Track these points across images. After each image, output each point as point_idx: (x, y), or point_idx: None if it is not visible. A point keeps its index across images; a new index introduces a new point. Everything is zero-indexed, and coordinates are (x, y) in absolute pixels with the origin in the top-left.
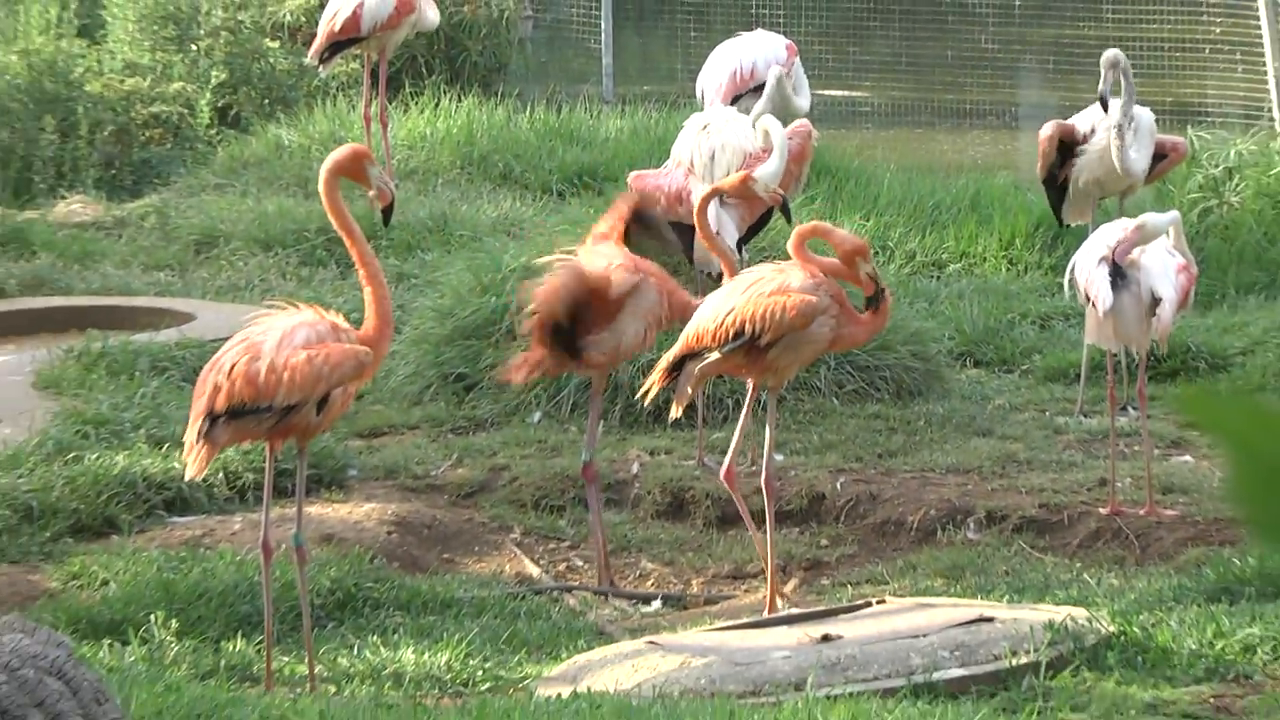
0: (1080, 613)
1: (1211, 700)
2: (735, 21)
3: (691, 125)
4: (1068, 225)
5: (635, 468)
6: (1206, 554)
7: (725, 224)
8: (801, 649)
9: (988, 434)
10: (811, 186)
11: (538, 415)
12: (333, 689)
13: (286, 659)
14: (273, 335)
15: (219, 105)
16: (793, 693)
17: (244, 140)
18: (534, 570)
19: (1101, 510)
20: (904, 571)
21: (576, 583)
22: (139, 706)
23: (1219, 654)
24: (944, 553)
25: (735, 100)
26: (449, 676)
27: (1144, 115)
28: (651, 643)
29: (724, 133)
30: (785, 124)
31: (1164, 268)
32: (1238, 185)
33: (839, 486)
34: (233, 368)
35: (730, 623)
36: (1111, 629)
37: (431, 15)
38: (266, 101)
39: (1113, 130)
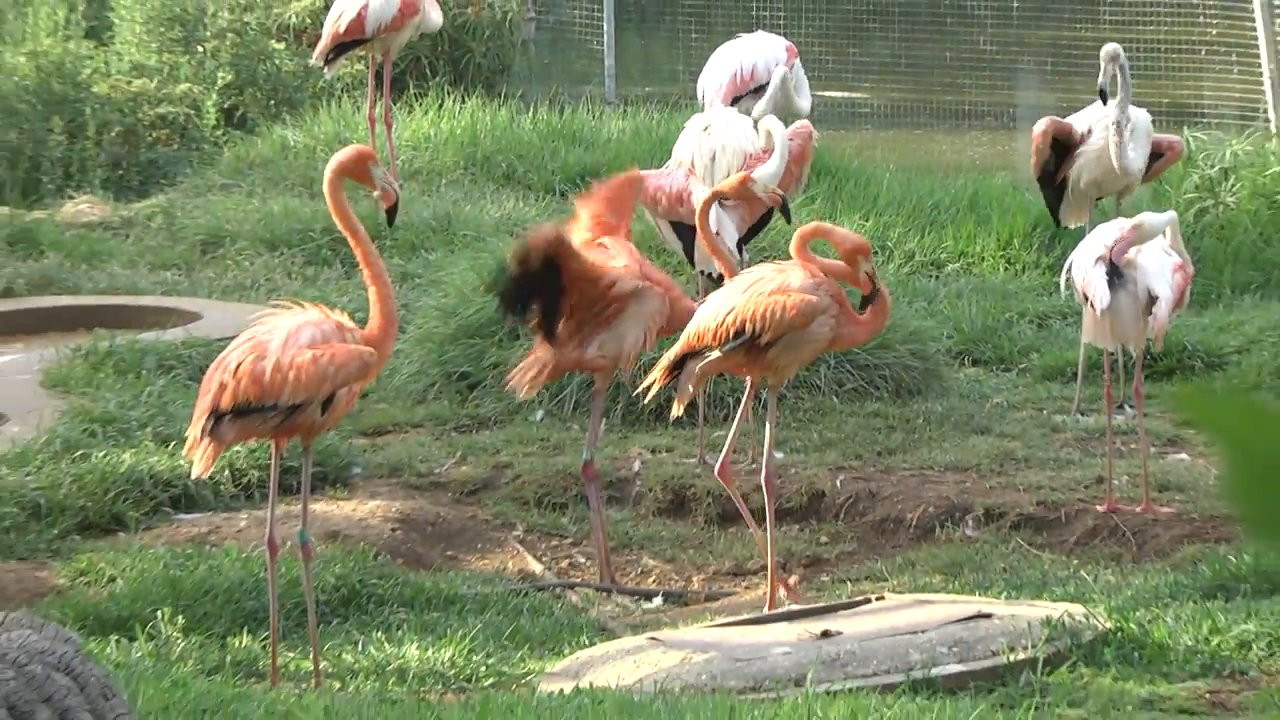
0: (1077, 609)
1: (1207, 695)
2: (736, 23)
3: (693, 126)
4: (1066, 226)
5: (637, 465)
6: (1202, 551)
7: (725, 225)
8: (801, 645)
9: (986, 432)
10: (811, 187)
11: (540, 414)
12: (337, 684)
13: (292, 655)
14: (278, 334)
15: (225, 106)
16: (793, 688)
17: (250, 141)
18: (536, 567)
19: (1098, 508)
20: (903, 568)
21: (579, 579)
22: (146, 702)
23: (1215, 650)
24: (942, 550)
25: (735, 101)
26: (452, 672)
27: (1140, 116)
28: (653, 639)
29: (724, 134)
30: (786, 125)
31: (1160, 267)
32: (1233, 186)
33: (839, 484)
34: (238, 367)
35: (731, 619)
36: (1108, 625)
37: (435, 17)
38: (272, 103)
39: (1111, 127)
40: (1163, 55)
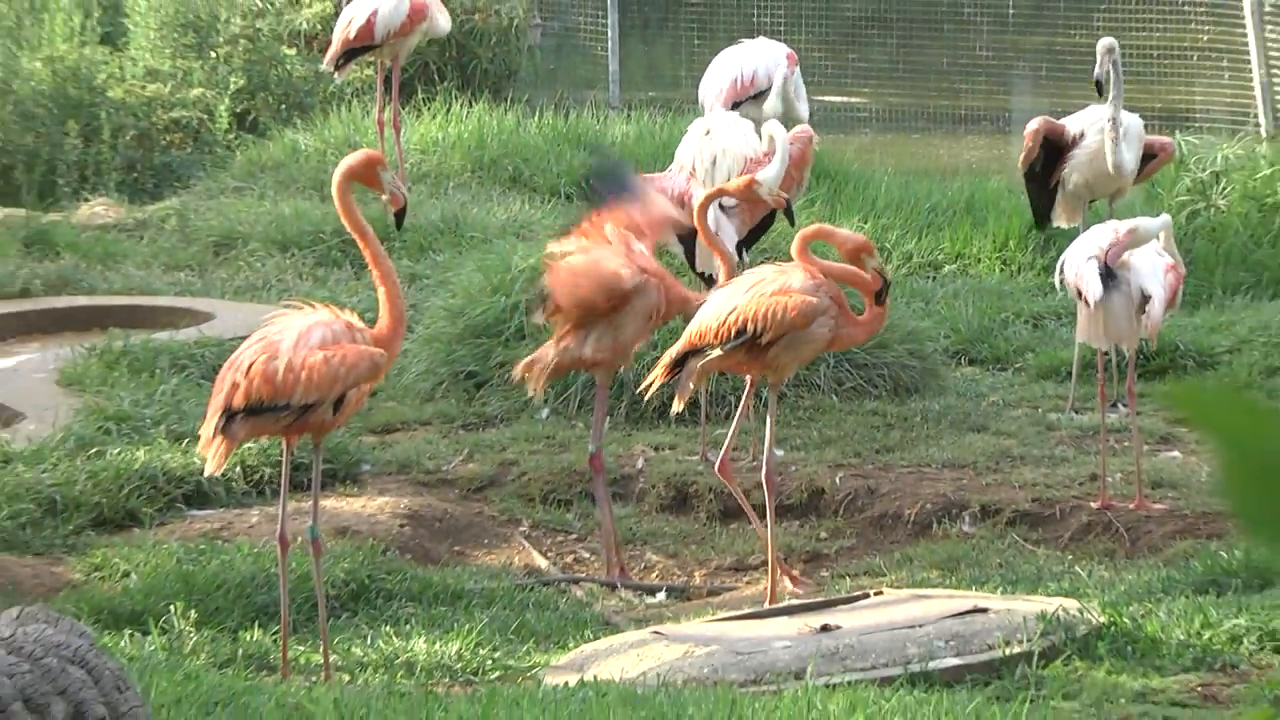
0: (1072, 604)
1: (1199, 689)
2: (738, 29)
3: (694, 130)
4: (1056, 227)
5: (640, 463)
6: (1194, 547)
7: (724, 227)
8: (801, 639)
9: (982, 430)
10: (811, 190)
11: (546, 412)
12: (347, 677)
13: (302, 648)
14: (289, 335)
15: (237, 111)
16: (793, 681)
17: (261, 145)
18: (542, 562)
19: (1092, 504)
20: (901, 564)
21: (583, 575)
22: (159, 694)
23: (1206, 644)
24: (940, 545)
25: (735, 107)
26: (459, 665)
27: (1132, 120)
28: (656, 632)
29: (725, 138)
30: (786, 130)
31: (1153, 268)
32: (1224, 189)
33: (838, 481)
34: (251, 366)
35: (732, 613)
36: (1102, 620)
37: (443, 22)
38: (283, 107)
39: (1106, 125)
40: (1155, 60)
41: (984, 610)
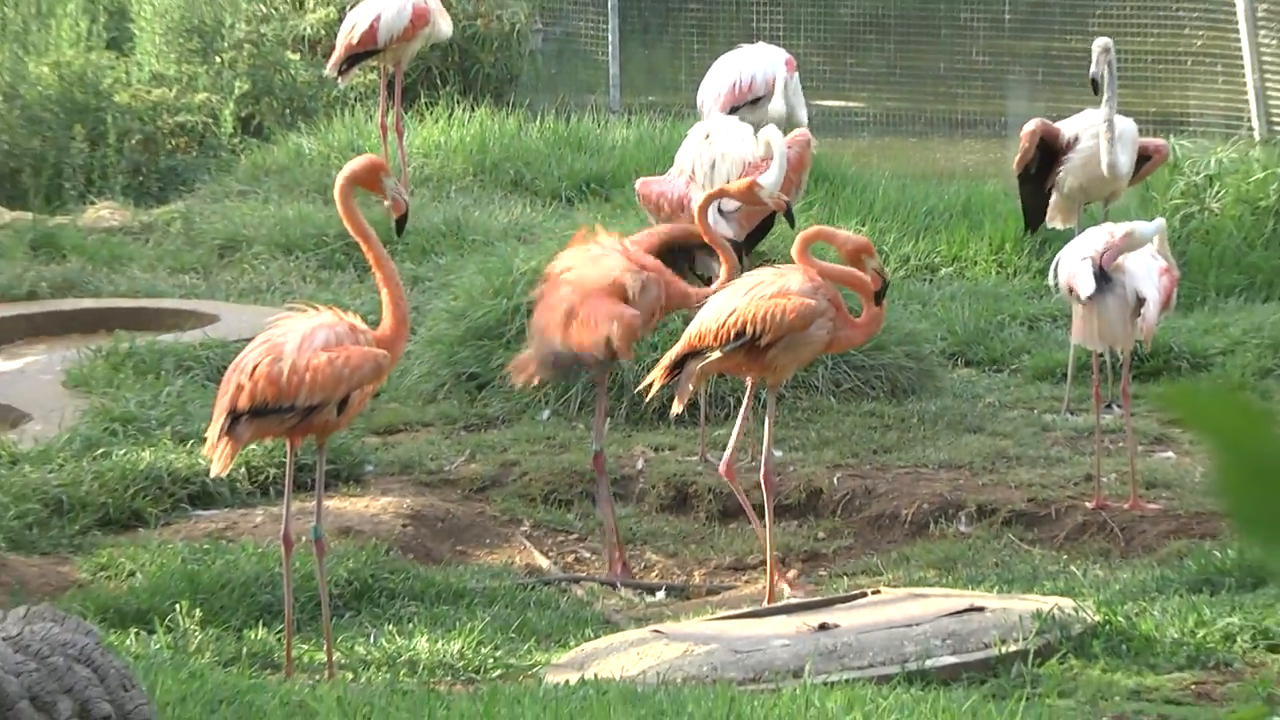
0: (1067, 603)
1: (1193, 687)
2: (737, 34)
3: (694, 135)
4: (1047, 229)
5: (640, 463)
6: (1188, 546)
7: (723, 230)
8: (800, 637)
9: (978, 431)
10: (810, 193)
11: (547, 413)
12: (350, 676)
13: (306, 647)
14: (293, 337)
15: (242, 115)
16: (791, 679)
17: (266, 149)
18: (543, 562)
19: (1087, 504)
20: (898, 563)
21: (584, 574)
22: (164, 692)
23: (1200, 642)
24: (936, 545)
25: (733, 111)
26: (461, 664)
27: (1126, 125)
28: (656, 631)
29: (724, 142)
30: (785, 134)
31: (1148, 270)
32: (1218, 192)
33: (836, 481)
34: (255, 368)
35: (731, 612)
36: (1097, 618)
37: (445, 27)
38: (287, 111)
39: (1101, 125)
40: (1150, 66)
41: (980, 609)
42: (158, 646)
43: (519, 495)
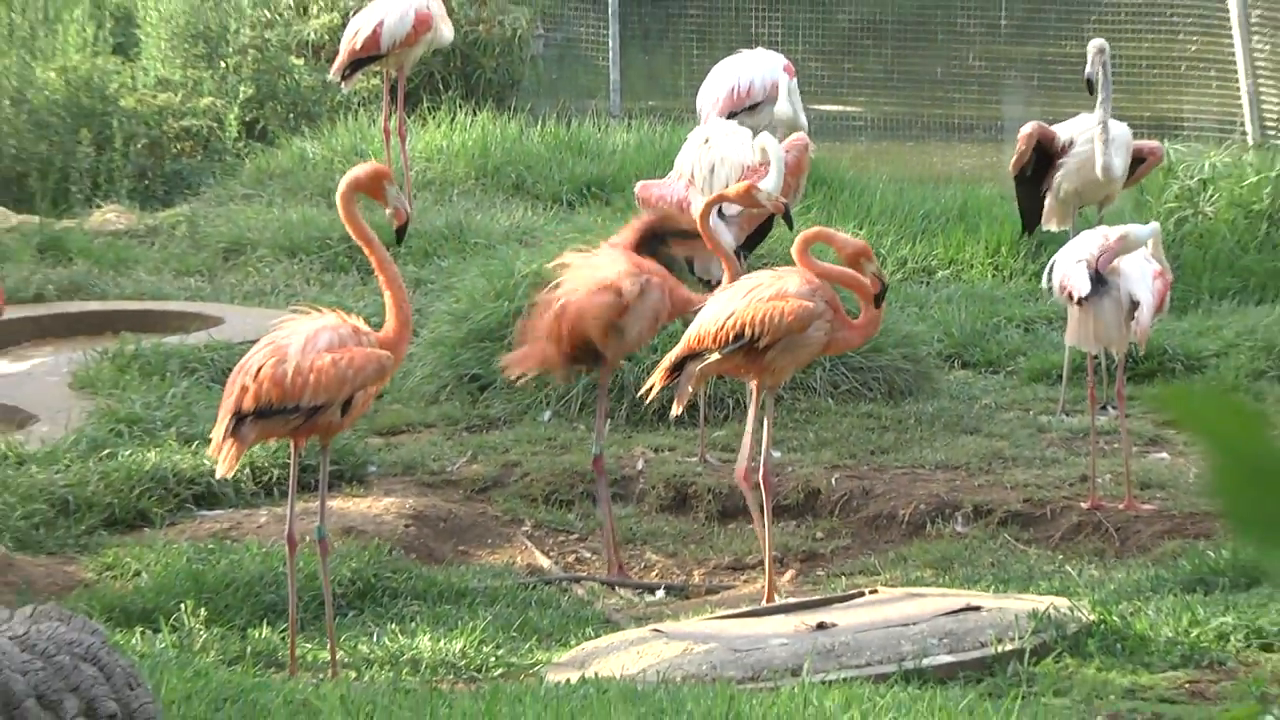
0: (1062, 602)
1: (1187, 685)
2: (736, 39)
3: (693, 139)
4: (1043, 231)
5: (640, 464)
6: (1182, 546)
7: (723, 234)
8: (798, 636)
9: (975, 432)
10: (808, 197)
11: (548, 414)
12: (353, 674)
13: (309, 645)
14: (297, 339)
15: (246, 119)
16: (789, 678)
17: (270, 153)
18: (544, 561)
19: (1083, 505)
20: (895, 563)
21: (585, 574)
22: (169, 691)
23: (1194, 641)
24: (933, 545)
25: (731, 116)
26: (463, 662)
27: (1121, 130)
28: (656, 630)
29: (723, 147)
30: (788, 137)
31: (1141, 273)
32: (1212, 196)
33: (834, 482)
34: (260, 370)
35: (730, 611)
36: (1092, 618)
37: (447, 32)
38: (292, 116)
39: (1096, 128)
40: (1144, 70)
41: (977, 609)
42: (163, 645)
43: (520, 496)
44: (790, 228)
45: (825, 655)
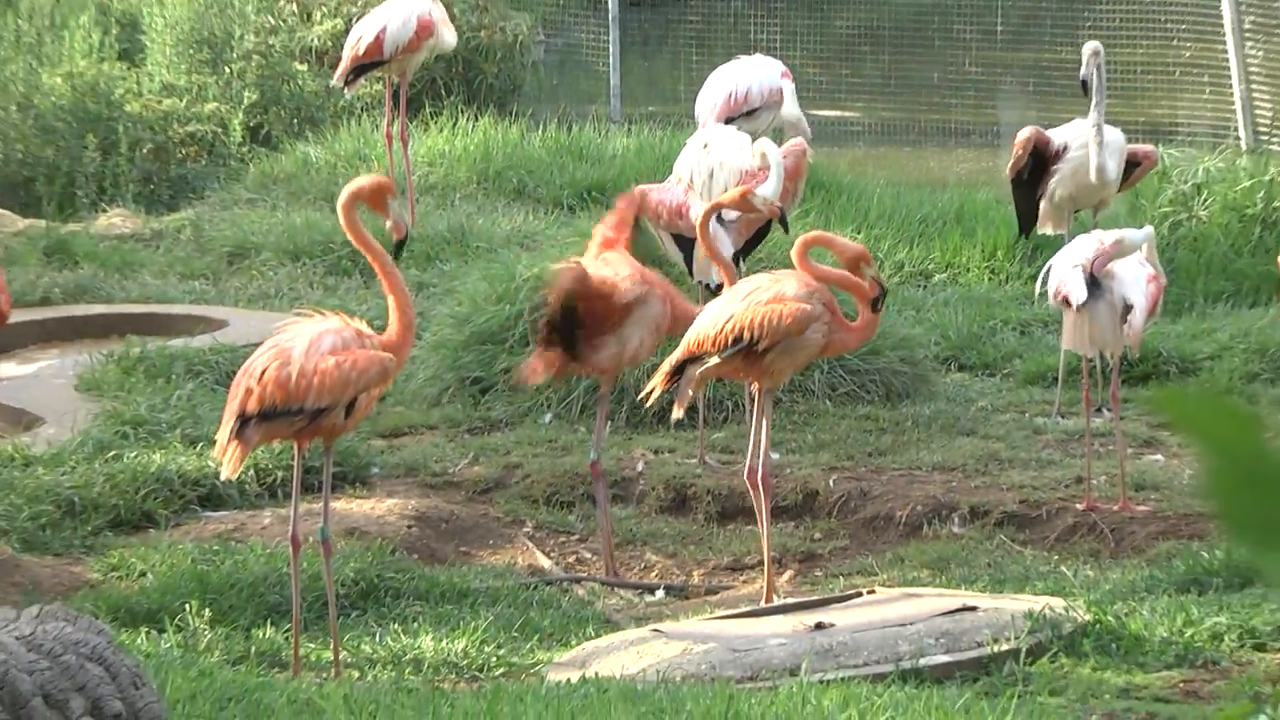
0: (1058, 602)
1: (1181, 685)
2: (735, 45)
3: (693, 144)
4: (1039, 235)
5: (640, 466)
6: (1177, 547)
7: (722, 239)
8: (796, 636)
9: (971, 434)
10: (806, 201)
11: (549, 416)
12: (356, 674)
13: (313, 645)
14: (301, 341)
15: (251, 124)
16: (788, 677)
17: (274, 157)
18: (545, 562)
19: (1078, 506)
20: (892, 563)
21: (585, 574)
22: (174, 690)
23: (1188, 641)
24: (930, 546)
25: (728, 122)
26: (465, 662)
27: (1115, 135)
28: (655, 630)
29: (722, 151)
30: (782, 143)
31: (1135, 277)
32: (1206, 200)
33: (831, 483)
34: (264, 372)
35: (729, 611)
36: (1087, 618)
37: (449, 37)
38: (295, 121)
39: (1090, 131)
40: (1139, 76)
41: (973, 609)
42: (168, 645)
43: (521, 497)
44: (786, 232)
45: (823, 655)
